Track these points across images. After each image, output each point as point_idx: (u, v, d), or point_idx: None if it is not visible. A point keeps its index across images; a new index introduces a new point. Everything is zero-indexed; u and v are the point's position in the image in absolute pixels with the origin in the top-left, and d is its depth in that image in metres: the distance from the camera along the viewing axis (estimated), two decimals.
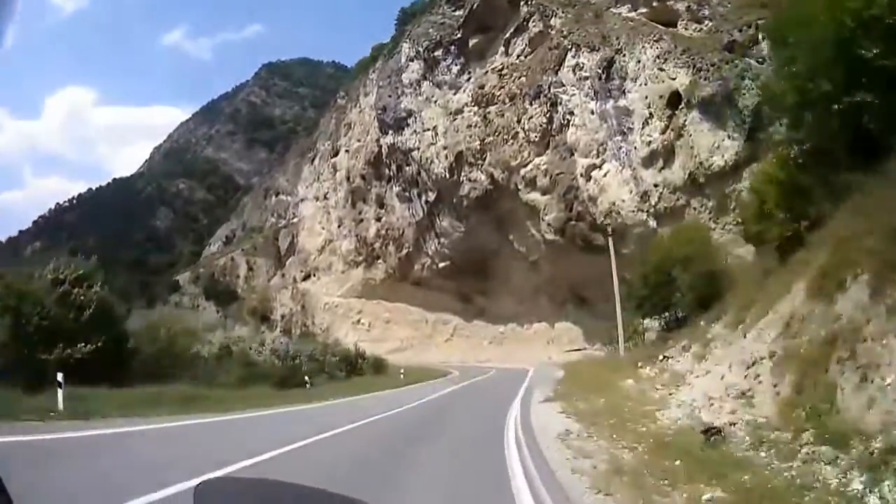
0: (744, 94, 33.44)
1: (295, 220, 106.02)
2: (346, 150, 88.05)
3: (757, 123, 32.35)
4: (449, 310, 72.87)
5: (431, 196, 66.61)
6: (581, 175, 46.00)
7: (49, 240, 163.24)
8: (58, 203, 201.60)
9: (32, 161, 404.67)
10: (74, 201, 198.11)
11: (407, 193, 71.38)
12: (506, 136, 54.28)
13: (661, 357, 22.33)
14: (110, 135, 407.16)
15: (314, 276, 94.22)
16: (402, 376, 38.39)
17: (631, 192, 41.64)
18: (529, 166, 51.65)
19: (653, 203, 39.68)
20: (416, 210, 69.89)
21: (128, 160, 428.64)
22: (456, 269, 67.33)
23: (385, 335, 77.63)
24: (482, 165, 57.64)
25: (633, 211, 41.42)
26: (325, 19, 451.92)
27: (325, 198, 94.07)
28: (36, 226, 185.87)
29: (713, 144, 35.15)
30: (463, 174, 60.16)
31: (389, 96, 72.75)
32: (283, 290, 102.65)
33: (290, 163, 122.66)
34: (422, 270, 72.80)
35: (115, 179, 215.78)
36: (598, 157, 44.54)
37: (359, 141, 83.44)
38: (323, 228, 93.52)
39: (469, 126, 59.30)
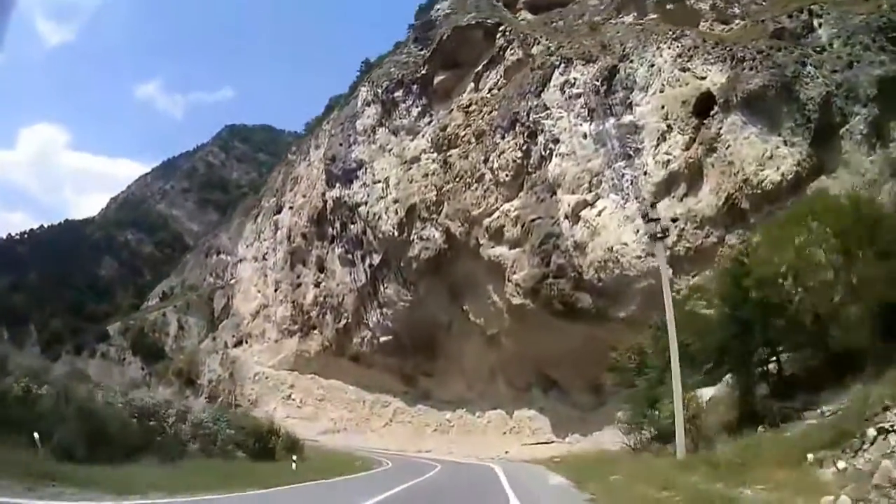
0: (806, 84, 24.38)
1: (232, 281, 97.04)
2: (290, 207, 78.98)
3: (827, 121, 23.15)
4: (390, 391, 62.03)
5: (376, 259, 56.66)
6: (566, 217, 35.48)
7: None
8: (9, 234, 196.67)
9: (2, 192, 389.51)
10: (26, 235, 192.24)
11: (350, 255, 61.43)
12: (469, 181, 44.28)
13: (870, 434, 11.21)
14: (76, 180, 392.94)
15: (246, 342, 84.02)
16: (293, 466, 25.42)
17: (637, 231, 30.79)
18: (496, 214, 41.35)
19: (668, 244, 29.07)
20: (359, 275, 59.78)
21: (88, 210, 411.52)
22: (399, 345, 56.99)
23: (317, 414, 68.27)
24: (437, 219, 47.71)
25: (640, 257, 30.81)
26: (291, 90, 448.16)
27: (264, 258, 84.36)
28: None
29: (763, 154, 25.86)
30: (414, 231, 50.25)
31: (340, 145, 63.59)
32: (214, 354, 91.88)
33: (235, 221, 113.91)
34: (361, 345, 62.14)
35: (67, 221, 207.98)
36: (590, 191, 34.22)
37: (304, 197, 74.65)
38: (259, 292, 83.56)
39: (425, 175, 49.82)
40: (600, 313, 31.41)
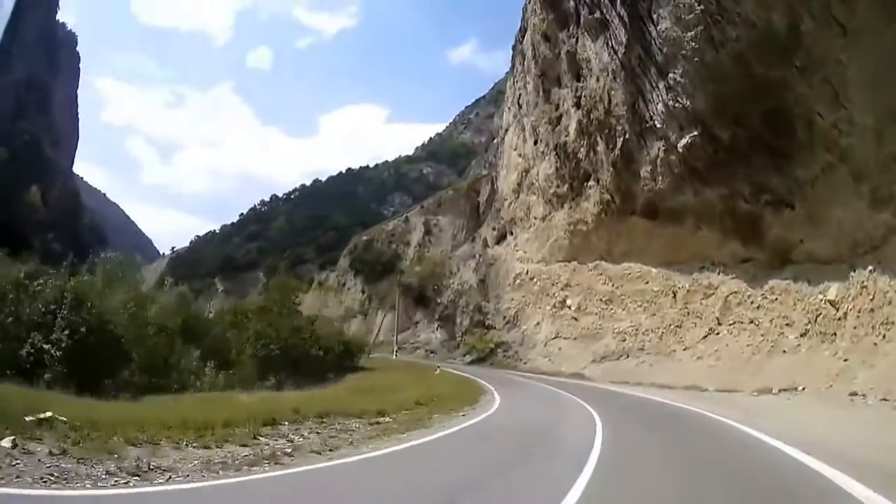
0: None
1: (496, 159, 76.56)
2: (532, 21, 57.42)
3: None
4: (715, 263, 34.35)
5: None
6: None
7: (247, 223, 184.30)
8: (273, 194, 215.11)
9: (310, 175, 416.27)
10: (295, 193, 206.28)
11: (597, 13, 38.56)
12: None
13: None
14: (389, 151, 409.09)
15: (510, 233, 64.35)
16: None
17: None
18: None
19: None
20: (618, 33, 35.72)
21: None
22: (713, 145, 29.57)
23: (601, 327, 44.31)
24: None
25: None
26: None
27: (518, 104, 64.44)
28: (253, 211, 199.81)
29: None
30: None
31: None
32: (470, 260, 71.61)
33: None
34: (653, 175, 35.69)
35: (348, 170, 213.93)
36: None
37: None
38: (519, 155, 63.19)
39: None
40: None
